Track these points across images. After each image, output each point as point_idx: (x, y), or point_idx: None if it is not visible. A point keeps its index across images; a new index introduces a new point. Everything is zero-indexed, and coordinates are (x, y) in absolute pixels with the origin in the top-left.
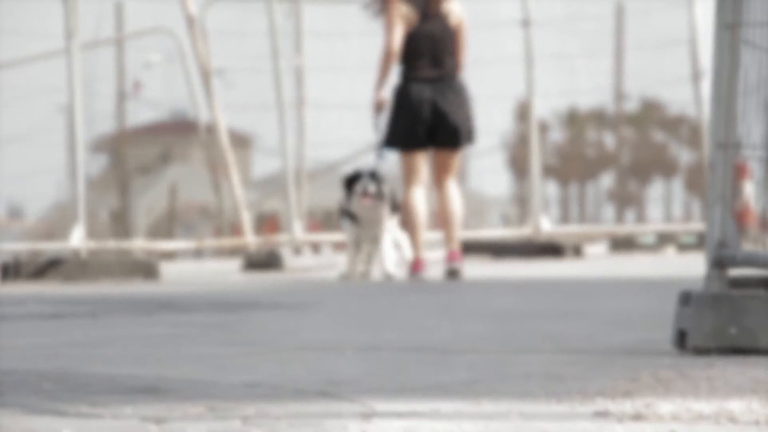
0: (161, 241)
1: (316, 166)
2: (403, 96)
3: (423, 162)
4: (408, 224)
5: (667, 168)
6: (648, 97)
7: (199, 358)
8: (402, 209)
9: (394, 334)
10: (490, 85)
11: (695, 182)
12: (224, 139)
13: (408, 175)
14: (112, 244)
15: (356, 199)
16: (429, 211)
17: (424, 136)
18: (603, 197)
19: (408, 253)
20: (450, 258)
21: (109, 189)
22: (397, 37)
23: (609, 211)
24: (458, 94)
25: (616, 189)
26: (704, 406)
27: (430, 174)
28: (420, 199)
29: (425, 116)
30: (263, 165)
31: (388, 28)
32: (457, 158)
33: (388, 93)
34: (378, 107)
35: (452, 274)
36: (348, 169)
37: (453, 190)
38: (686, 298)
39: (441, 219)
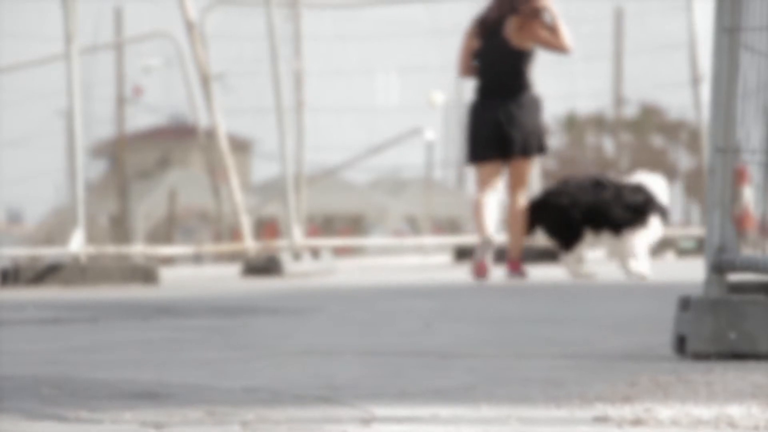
0: (160, 246)
1: (315, 171)
2: (470, 111)
3: (493, 173)
4: (476, 223)
5: (666, 173)
6: (647, 101)
7: (198, 363)
8: (473, 212)
9: (393, 338)
10: None
11: (694, 187)
12: (223, 144)
13: (477, 185)
14: (111, 249)
15: None
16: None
17: (491, 148)
18: None
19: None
20: (509, 267)
21: (109, 194)
22: (462, 62)
23: None
24: (525, 106)
25: None
26: (703, 411)
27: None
28: (487, 204)
29: (489, 128)
30: (262, 170)
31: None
32: (525, 168)
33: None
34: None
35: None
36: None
37: (521, 201)
38: (685, 303)
39: (507, 227)
